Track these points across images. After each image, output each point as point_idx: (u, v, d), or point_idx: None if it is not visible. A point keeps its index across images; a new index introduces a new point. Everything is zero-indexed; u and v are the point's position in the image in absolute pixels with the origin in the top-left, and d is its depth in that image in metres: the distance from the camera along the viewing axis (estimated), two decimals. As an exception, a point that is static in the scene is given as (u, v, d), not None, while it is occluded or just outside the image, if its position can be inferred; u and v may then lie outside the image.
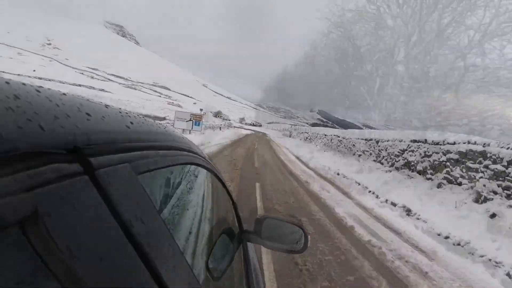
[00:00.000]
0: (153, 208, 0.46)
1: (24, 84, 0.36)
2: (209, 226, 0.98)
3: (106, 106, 0.52)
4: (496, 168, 5.96)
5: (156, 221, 0.46)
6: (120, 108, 0.58)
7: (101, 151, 0.36)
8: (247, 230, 1.31)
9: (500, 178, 5.83)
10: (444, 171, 7.46)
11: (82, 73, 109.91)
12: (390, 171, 9.82)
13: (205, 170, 0.96)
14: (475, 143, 6.80)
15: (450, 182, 7.23)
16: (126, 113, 0.57)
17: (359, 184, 9.42)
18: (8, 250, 0.23)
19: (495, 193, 5.88)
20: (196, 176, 0.90)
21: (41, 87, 0.39)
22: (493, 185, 5.96)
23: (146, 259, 0.37)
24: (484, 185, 6.15)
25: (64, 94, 0.42)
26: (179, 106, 77.31)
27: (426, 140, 8.60)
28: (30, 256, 0.24)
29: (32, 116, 0.29)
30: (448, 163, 7.40)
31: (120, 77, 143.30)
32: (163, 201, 0.61)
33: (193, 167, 0.84)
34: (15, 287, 0.22)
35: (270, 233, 1.24)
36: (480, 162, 6.43)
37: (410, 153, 9.19)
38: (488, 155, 6.24)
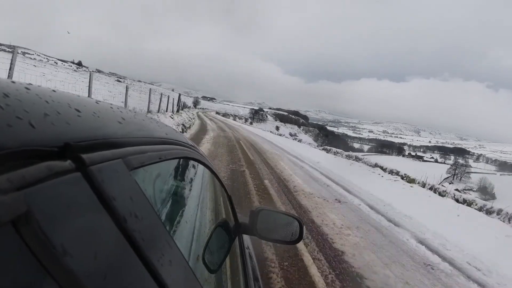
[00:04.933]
0: (147, 204, 0.44)
1: (13, 82, 0.35)
2: (204, 220, 0.96)
3: (97, 101, 0.50)
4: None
5: (151, 216, 0.44)
6: (111, 104, 0.56)
7: (93, 147, 0.35)
8: (242, 223, 1.27)
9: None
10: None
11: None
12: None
13: (199, 164, 0.93)
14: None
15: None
16: (118, 108, 0.55)
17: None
18: (1, 249, 0.22)
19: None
20: (190, 170, 0.88)
21: (31, 84, 0.37)
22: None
23: (142, 255, 0.36)
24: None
25: (54, 90, 0.41)
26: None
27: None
28: (25, 255, 0.23)
29: (22, 114, 0.28)
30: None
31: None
32: (157, 196, 0.59)
33: (187, 161, 0.82)
34: (10, 286, 0.21)
35: (265, 224, 1.22)
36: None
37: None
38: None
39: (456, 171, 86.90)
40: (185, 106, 45.41)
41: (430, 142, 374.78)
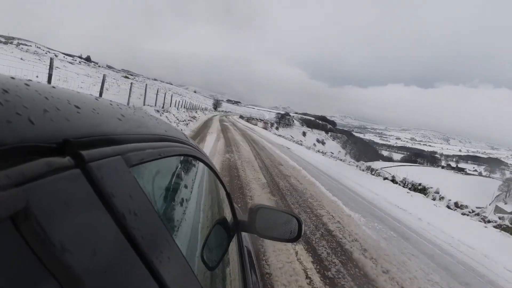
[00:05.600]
0: (146, 201, 0.43)
1: (13, 78, 0.35)
2: (203, 217, 0.95)
3: (97, 98, 0.50)
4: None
5: (150, 213, 0.43)
6: (111, 100, 0.56)
7: (92, 143, 0.34)
8: (241, 220, 1.27)
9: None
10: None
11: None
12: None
13: (198, 161, 0.93)
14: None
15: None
16: (117, 105, 0.55)
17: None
18: (1, 245, 0.21)
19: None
20: (189, 167, 0.88)
21: (30, 80, 0.37)
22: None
23: (140, 252, 0.36)
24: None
25: (53, 87, 0.41)
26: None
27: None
28: (24, 251, 0.23)
29: (22, 110, 0.28)
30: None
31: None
32: (156, 193, 0.58)
33: (186, 158, 0.81)
34: (8, 282, 0.21)
35: (264, 222, 1.21)
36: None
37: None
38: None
39: (510, 188, 75.76)
40: (193, 107, 34.84)
41: (460, 150, 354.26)
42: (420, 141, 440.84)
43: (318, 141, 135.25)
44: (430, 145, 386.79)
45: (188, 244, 0.72)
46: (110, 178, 0.35)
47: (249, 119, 74.50)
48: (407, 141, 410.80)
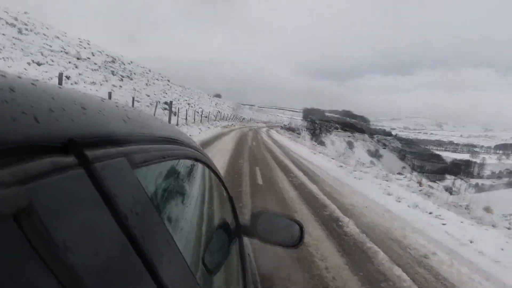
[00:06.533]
0: (149, 202, 0.43)
1: (19, 77, 0.35)
2: (205, 221, 0.95)
3: (103, 99, 0.50)
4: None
5: (152, 215, 0.43)
6: (116, 102, 0.56)
7: (97, 144, 0.34)
8: (243, 225, 1.26)
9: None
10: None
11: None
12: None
13: (202, 165, 0.92)
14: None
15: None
16: (123, 106, 0.55)
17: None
18: (3, 243, 0.21)
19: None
20: (193, 170, 0.88)
21: (37, 80, 0.37)
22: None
23: (141, 253, 0.36)
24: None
25: (59, 87, 0.41)
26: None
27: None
28: (26, 250, 0.22)
29: (27, 109, 0.28)
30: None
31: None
32: (159, 195, 0.58)
33: (189, 161, 0.81)
34: (10, 280, 0.21)
35: (266, 227, 1.21)
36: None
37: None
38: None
39: None
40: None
41: (461, 136, 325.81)
42: (414, 129, 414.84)
43: (370, 154, 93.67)
44: (425, 133, 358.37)
45: (190, 247, 0.71)
46: (114, 178, 0.34)
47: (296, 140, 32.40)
48: (401, 130, 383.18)
